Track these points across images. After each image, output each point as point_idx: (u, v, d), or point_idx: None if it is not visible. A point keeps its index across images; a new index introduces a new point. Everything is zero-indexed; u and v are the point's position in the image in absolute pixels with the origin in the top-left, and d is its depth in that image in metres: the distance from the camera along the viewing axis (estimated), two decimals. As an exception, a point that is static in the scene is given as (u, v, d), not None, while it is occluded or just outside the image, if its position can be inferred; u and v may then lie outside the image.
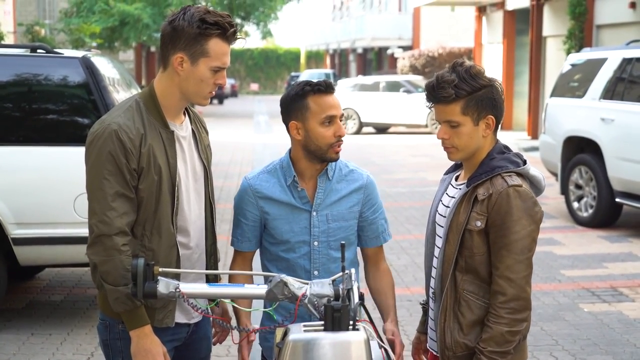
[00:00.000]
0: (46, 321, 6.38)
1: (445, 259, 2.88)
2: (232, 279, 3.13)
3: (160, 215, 2.80)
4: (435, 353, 2.99)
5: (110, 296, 2.73)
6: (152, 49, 39.93)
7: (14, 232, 5.86)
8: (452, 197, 2.93)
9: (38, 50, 6.25)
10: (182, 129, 2.92)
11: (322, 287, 2.55)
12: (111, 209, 2.71)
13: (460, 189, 2.91)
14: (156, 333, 2.78)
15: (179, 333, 2.96)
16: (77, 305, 6.85)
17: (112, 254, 2.71)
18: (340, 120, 3.04)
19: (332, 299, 2.50)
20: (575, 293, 7.22)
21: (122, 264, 2.70)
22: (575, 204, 10.31)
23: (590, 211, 10.02)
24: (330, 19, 69.19)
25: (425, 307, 3.12)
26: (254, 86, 62.77)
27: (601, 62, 10.17)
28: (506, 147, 2.94)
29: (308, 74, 47.38)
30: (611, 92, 9.84)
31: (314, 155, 3.00)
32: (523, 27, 25.02)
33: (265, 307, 3.02)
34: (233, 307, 2.87)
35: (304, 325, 2.47)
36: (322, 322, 2.44)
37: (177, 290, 2.57)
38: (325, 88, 3.00)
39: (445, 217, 2.91)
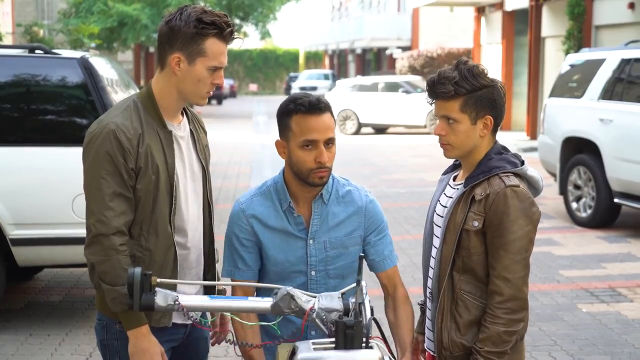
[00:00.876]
0: (45, 321, 6.38)
1: (442, 259, 2.88)
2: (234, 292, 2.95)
3: (157, 215, 2.80)
4: (432, 353, 2.99)
5: (107, 296, 2.73)
6: (151, 49, 39.92)
7: (13, 232, 5.86)
8: (450, 197, 2.93)
9: (36, 51, 6.25)
10: (180, 129, 2.92)
11: (331, 300, 2.40)
12: (109, 208, 2.71)
13: (457, 189, 2.91)
14: (153, 333, 2.77)
15: (176, 333, 2.95)
16: (76, 305, 6.85)
17: (109, 254, 2.70)
18: (328, 145, 2.76)
19: (342, 314, 2.35)
20: (574, 293, 7.22)
21: (120, 264, 2.70)
22: (574, 205, 10.31)
23: (589, 211, 10.03)
24: (329, 19, 69.20)
25: (423, 307, 3.12)
26: (253, 87, 62.78)
27: (600, 62, 10.18)
28: (504, 148, 2.94)
29: (307, 74, 47.43)
30: (610, 93, 9.84)
31: (299, 179, 2.80)
32: (522, 27, 25.04)
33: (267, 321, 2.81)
34: (232, 320, 2.78)
35: (313, 343, 2.33)
36: (332, 340, 2.29)
37: (177, 303, 2.48)
38: (307, 108, 2.74)
39: (442, 217, 2.91)
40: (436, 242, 2.95)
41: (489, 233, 2.79)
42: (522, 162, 2.89)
